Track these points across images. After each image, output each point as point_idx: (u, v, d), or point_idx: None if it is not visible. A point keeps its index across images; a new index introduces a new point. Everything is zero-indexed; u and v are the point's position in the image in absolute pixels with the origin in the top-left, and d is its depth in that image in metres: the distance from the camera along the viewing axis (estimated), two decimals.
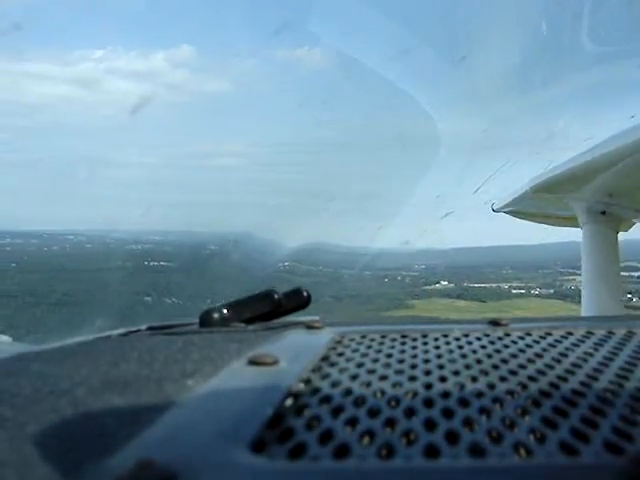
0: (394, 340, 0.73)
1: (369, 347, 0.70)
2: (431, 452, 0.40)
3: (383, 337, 0.75)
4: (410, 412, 0.47)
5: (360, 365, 0.61)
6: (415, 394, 0.51)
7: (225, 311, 1.02)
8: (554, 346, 0.69)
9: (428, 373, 0.58)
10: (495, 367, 0.59)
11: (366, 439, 0.42)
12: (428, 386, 0.53)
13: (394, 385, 0.54)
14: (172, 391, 0.53)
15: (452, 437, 0.42)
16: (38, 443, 0.42)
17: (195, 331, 0.97)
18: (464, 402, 0.49)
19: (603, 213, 2.96)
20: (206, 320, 1.01)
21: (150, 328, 1.05)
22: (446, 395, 0.51)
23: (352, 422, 0.45)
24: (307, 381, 0.55)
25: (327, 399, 0.50)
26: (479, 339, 0.73)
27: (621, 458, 0.38)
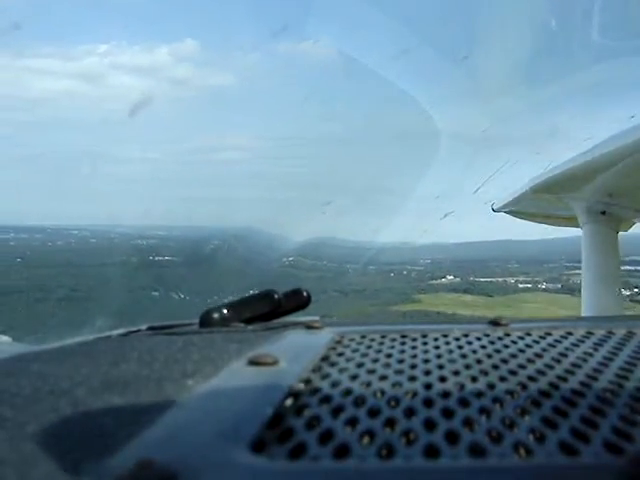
0: (394, 340, 0.73)
1: (369, 347, 0.70)
2: (431, 452, 0.40)
3: (383, 337, 0.75)
4: (410, 412, 0.47)
5: (360, 365, 0.61)
6: (415, 394, 0.51)
7: (225, 311, 1.02)
8: (554, 346, 0.69)
9: (428, 373, 0.58)
10: (495, 367, 0.59)
11: (366, 439, 0.42)
12: (428, 386, 0.53)
13: (394, 385, 0.54)
14: (172, 391, 0.53)
15: (452, 437, 0.42)
16: (38, 443, 0.42)
17: (195, 331, 0.97)
18: (464, 402, 0.49)
19: (603, 213, 2.97)
20: (206, 320, 1.01)
21: (150, 328, 1.05)
22: (446, 395, 0.51)
23: (352, 422, 0.45)
24: (307, 381, 0.55)
25: (327, 399, 0.50)
26: (479, 339, 0.73)
27: (621, 458, 0.38)
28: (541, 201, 3.28)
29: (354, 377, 0.56)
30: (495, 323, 0.82)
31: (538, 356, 0.64)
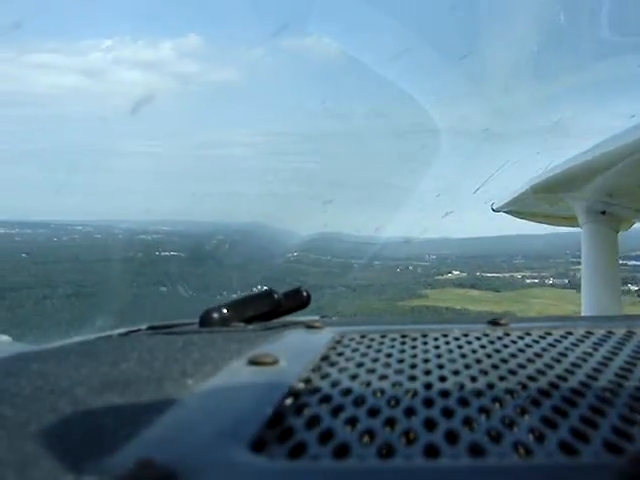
0: (394, 340, 0.74)
1: (369, 347, 0.70)
2: (431, 452, 0.40)
3: (383, 337, 0.75)
4: (410, 412, 0.47)
5: (360, 365, 0.61)
6: (415, 394, 0.51)
7: (225, 311, 1.02)
8: (554, 346, 0.69)
9: (428, 373, 0.58)
10: (495, 367, 0.59)
11: (366, 439, 0.42)
12: (428, 386, 0.53)
13: (394, 385, 0.54)
14: (172, 391, 0.53)
15: (452, 437, 0.42)
16: (38, 443, 0.42)
17: (195, 331, 0.97)
18: (464, 402, 0.49)
19: (603, 213, 2.96)
20: (206, 320, 1.01)
21: (150, 328, 1.05)
22: (446, 395, 0.51)
23: (352, 422, 0.45)
24: (307, 381, 0.55)
25: (327, 399, 0.50)
26: (479, 339, 0.73)
27: (621, 458, 0.38)
28: (541, 201, 3.28)
29: (354, 377, 0.56)
30: (495, 323, 0.82)
31: (538, 356, 0.64)
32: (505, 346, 0.69)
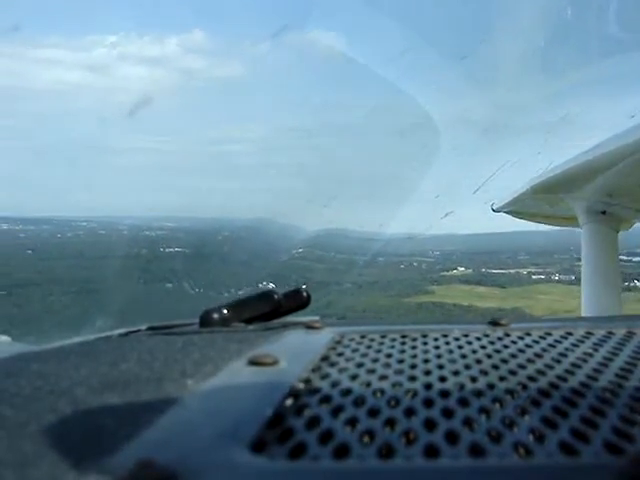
0: (394, 340, 0.74)
1: (369, 347, 0.70)
2: (431, 452, 0.40)
3: (383, 337, 0.75)
4: (410, 412, 0.47)
5: (360, 365, 0.61)
6: (415, 394, 0.51)
7: (225, 311, 1.02)
8: (554, 346, 0.69)
9: (428, 373, 0.58)
10: (495, 367, 0.59)
11: (366, 439, 0.42)
12: (428, 386, 0.53)
13: (394, 385, 0.54)
14: (172, 391, 0.53)
15: (452, 437, 0.42)
16: (38, 443, 0.42)
17: (195, 331, 0.97)
18: (464, 402, 0.49)
19: (603, 213, 2.96)
20: (206, 320, 1.01)
21: (150, 328, 1.05)
22: (446, 395, 0.51)
23: (352, 422, 0.45)
24: (307, 381, 0.55)
25: (327, 399, 0.50)
26: (479, 339, 0.73)
27: (621, 458, 0.38)
28: (541, 201, 3.27)
29: (354, 377, 0.56)
30: (495, 323, 0.82)
31: (538, 356, 0.64)
32: (505, 346, 0.69)
